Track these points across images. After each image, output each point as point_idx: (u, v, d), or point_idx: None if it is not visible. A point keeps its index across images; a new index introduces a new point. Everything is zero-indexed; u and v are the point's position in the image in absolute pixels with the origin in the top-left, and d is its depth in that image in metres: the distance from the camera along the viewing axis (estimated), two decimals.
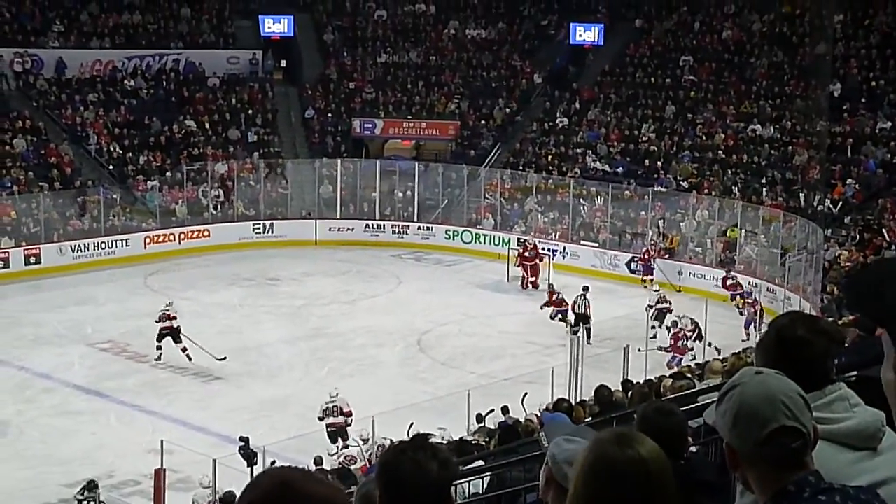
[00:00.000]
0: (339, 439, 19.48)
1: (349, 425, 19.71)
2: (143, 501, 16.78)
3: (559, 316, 27.93)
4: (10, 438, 21.23)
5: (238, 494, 12.29)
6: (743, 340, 26.36)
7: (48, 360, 25.59)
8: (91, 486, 16.91)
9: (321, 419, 19.94)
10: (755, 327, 27.31)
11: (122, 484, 18.84)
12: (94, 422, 22.06)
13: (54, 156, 38.38)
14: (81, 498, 16.74)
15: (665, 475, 2.31)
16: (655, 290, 29.74)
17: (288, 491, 2.05)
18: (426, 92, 45.27)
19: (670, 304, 27.48)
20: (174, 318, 25.43)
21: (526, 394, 18.68)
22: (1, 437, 21.25)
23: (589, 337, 25.27)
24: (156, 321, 25.45)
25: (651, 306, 27.40)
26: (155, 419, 21.97)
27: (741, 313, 29.03)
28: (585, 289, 27.83)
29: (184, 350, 24.96)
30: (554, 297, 28.69)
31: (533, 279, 33.39)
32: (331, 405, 20.02)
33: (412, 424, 16.53)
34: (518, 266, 34.02)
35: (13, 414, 22.38)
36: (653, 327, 26.24)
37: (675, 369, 20.61)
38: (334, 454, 18.40)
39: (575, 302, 27.54)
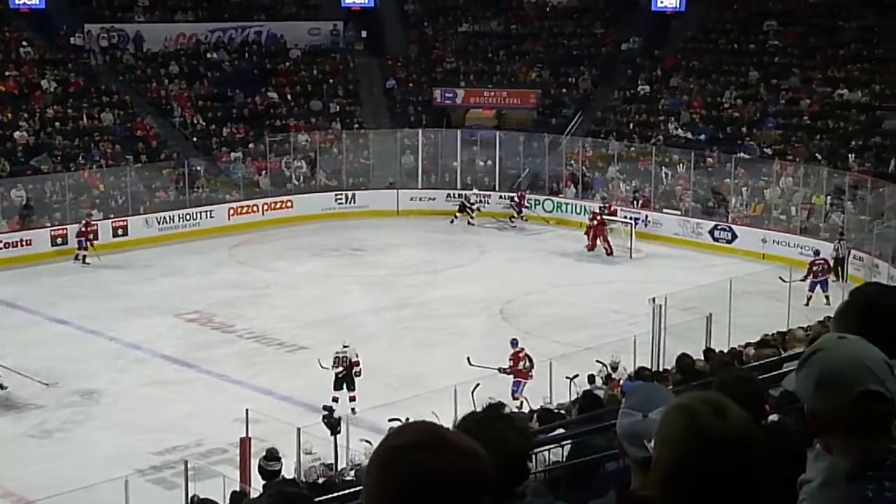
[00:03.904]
0: (345, 387, 21.05)
1: (358, 375, 21.11)
2: (230, 470, 17.00)
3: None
4: (104, 407, 21.67)
5: (279, 452, 12.24)
6: (805, 305, 26.51)
7: (138, 330, 26.05)
8: None
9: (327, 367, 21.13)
10: (822, 289, 27.49)
11: (210, 452, 19.12)
12: (184, 391, 22.43)
13: (140, 129, 38.97)
14: None
15: (759, 446, 2.23)
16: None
17: (434, 440, 2.04)
18: (508, 61, 45.16)
19: None
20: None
21: (478, 385, 18.33)
22: (95, 406, 21.70)
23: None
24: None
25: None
26: (242, 389, 22.27)
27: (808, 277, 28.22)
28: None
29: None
30: None
31: (604, 245, 33.45)
32: (340, 356, 21.10)
33: (478, 385, 16.60)
34: (586, 233, 34.26)
35: (107, 383, 22.82)
36: None
37: (519, 398, 20.18)
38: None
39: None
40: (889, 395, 2.37)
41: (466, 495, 2.01)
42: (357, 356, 21.30)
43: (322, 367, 21.17)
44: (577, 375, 18.78)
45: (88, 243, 32.14)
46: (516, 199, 37.99)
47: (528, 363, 21.14)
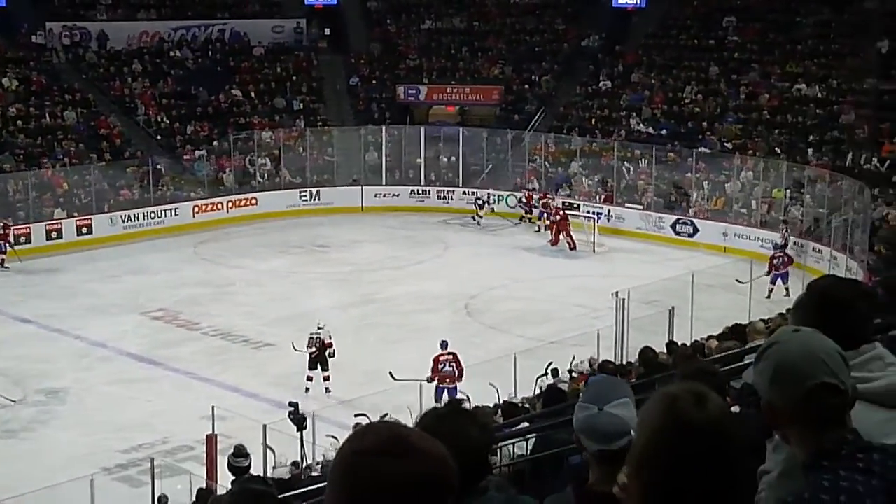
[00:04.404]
0: (319, 367, 21.77)
1: (332, 356, 21.85)
2: (196, 467, 17.03)
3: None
4: (70, 406, 21.61)
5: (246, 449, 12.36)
6: (766, 297, 26.82)
7: (103, 329, 25.98)
8: None
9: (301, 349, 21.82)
10: (783, 281, 27.80)
11: (177, 450, 19.12)
12: (150, 389, 22.38)
13: (104, 127, 38.80)
14: None
15: (736, 435, 2.25)
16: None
17: (397, 443, 2.02)
18: (470, 57, 45.23)
19: None
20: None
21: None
22: (60, 405, 21.65)
23: None
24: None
25: None
26: (208, 386, 22.28)
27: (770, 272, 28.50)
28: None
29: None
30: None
31: (567, 240, 33.64)
32: (314, 336, 21.84)
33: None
34: (549, 228, 34.55)
35: (72, 382, 22.76)
36: None
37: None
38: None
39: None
40: (843, 387, 2.43)
41: (430, 499, 2.01)
42: (330, 337, 21.92)
43: (296, 349, 21.59)
44: (548, 373, 18.80)
45: (7, 246, 31.82)
46: (524, 198, 37.73)
47: (449, 367, 20.50)
